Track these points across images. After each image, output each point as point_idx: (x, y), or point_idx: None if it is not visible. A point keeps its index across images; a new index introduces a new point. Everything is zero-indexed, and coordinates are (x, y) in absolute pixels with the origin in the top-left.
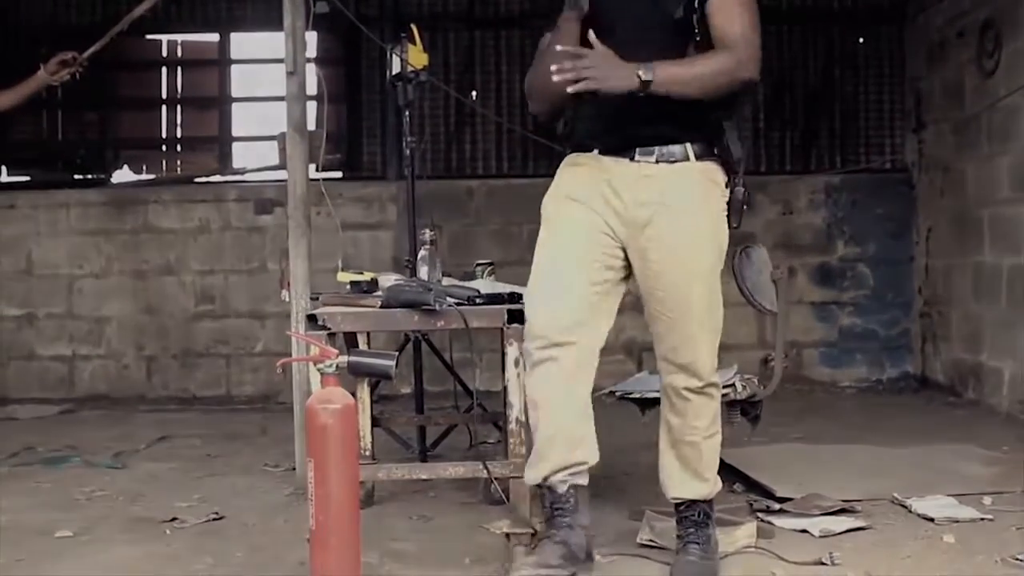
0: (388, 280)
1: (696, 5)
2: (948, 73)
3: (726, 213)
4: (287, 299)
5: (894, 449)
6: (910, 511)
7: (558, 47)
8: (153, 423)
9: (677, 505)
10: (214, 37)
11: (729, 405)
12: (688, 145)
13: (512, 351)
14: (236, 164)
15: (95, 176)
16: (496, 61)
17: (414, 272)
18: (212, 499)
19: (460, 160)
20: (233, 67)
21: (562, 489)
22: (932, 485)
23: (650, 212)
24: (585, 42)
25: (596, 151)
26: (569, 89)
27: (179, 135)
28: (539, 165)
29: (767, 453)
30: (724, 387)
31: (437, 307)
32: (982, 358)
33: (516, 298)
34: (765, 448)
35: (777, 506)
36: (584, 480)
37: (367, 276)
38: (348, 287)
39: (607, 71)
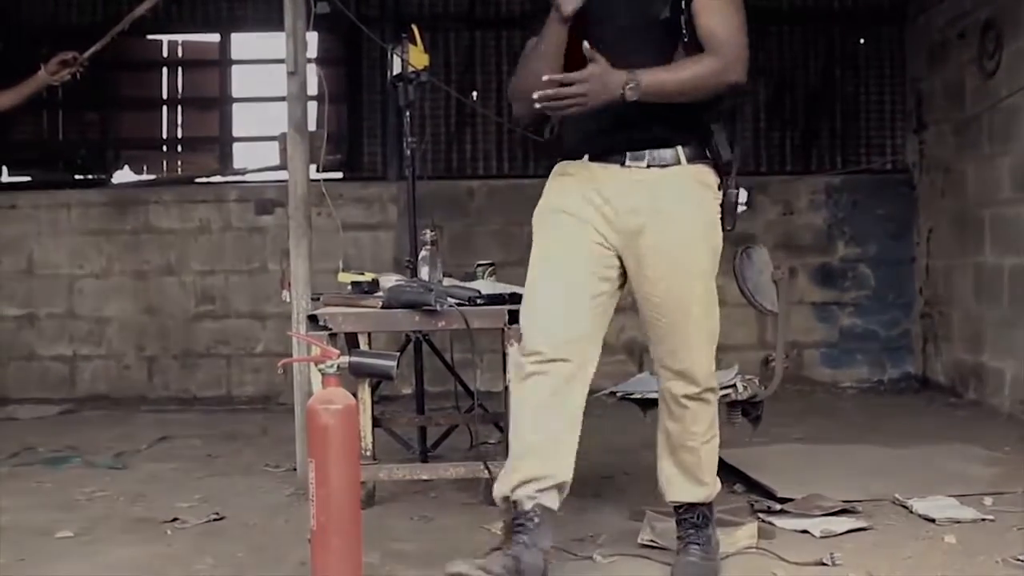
0: (389, 280)
1: (683, 6)
2: (949, 73)
3: (720, 216)
4: (288, 299)
5: (895, 450)
6: (911, 512)
7: (545, 77)
8: (154, 423)
9: (676, 508)
10: (215, 37)
11: (730, 406)
12: (679, 148)
13: (513, 352)
14: (237, 164)
15: (96, 176)
16: (497, 61)
17: (415, 272)
18: (213, 499)
19: (461, 160)
20: (234, 67)
21: (527, 506)
22: (933, 486)
23: (643, 219)
24: (572, 46)
25: (585, 157)
26: (553, 116)
27: (180, 135)
28: (540, 165)
29: (768, 453)
30: (725, 387)
31: (438, 307)
32: (983, 359)
33: (517, 298)
34: (766, 448)
35: (778, 507)
36: (553, 503)
37: (368, 277)
38: (349, 287)
39: (593, 96)
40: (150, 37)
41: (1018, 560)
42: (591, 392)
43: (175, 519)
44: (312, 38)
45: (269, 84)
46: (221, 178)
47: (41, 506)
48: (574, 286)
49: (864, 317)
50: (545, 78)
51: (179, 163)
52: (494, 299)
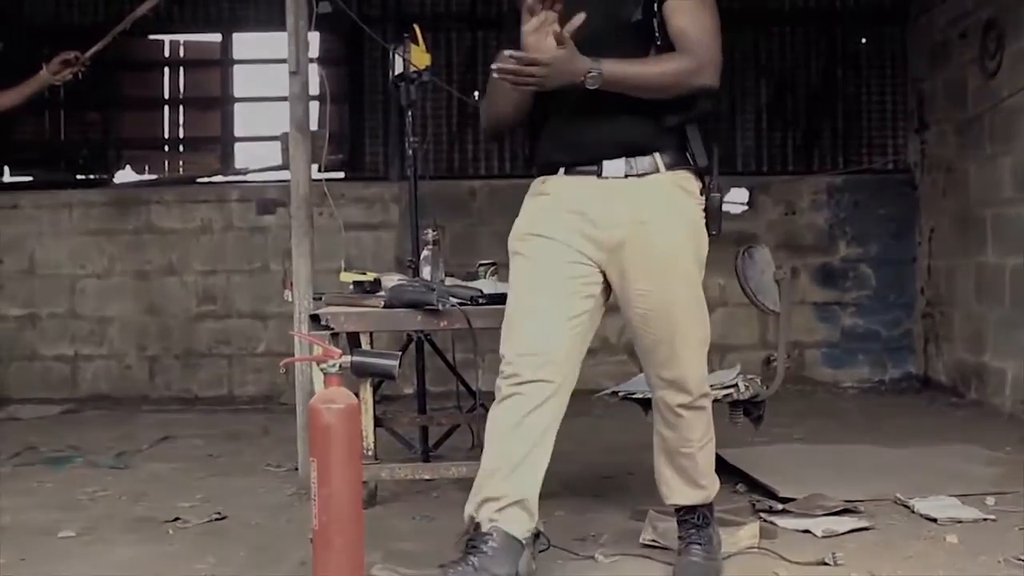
0: (391, 280)
1: (655, 8)
2: (950, 74)
3: (704, 221)
4: (290, 299)
5: (896, 449)
6: (913, 511)
7: (508, 52)
8: (155, 423)
9: (677, 509)
10: (216, 37)
11: (732, 405)
12: (656, 155)
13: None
14: (238, 164)
15: (97, 176)
16: None
17: (417, 272)
18: (215, 499)
19: (463, 160)
20: (235, 67)
21: (484, 527)
22: (935, 485)
23: (624, 231)
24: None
25: (561, 171)
26: (511, 89)
27: (181, 135)
28: None
29: (770, 453)
30: (727, 387)
31: (440, 307)
32: (985, 358)
33: None
34: (768, 448)
35: (780, 506)
36: (517, 526)
37: (370, 276)
38: (351, 287)
39: (553, 78)
40: (152, 37)
41: (1020, 560)
42: (592, 392)
43: (177, 519)
44: (314, 38)
45: (271, 84)
46: (223, 178)
47: (43, 506)
48: (552, 310)
49: (865, 317)
50: (507, 53)
51: (181, 163)
52: (496, 299)
